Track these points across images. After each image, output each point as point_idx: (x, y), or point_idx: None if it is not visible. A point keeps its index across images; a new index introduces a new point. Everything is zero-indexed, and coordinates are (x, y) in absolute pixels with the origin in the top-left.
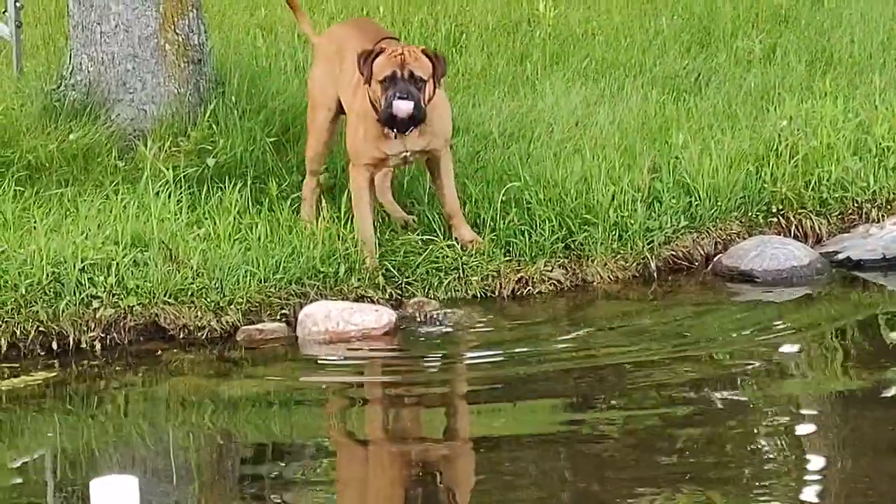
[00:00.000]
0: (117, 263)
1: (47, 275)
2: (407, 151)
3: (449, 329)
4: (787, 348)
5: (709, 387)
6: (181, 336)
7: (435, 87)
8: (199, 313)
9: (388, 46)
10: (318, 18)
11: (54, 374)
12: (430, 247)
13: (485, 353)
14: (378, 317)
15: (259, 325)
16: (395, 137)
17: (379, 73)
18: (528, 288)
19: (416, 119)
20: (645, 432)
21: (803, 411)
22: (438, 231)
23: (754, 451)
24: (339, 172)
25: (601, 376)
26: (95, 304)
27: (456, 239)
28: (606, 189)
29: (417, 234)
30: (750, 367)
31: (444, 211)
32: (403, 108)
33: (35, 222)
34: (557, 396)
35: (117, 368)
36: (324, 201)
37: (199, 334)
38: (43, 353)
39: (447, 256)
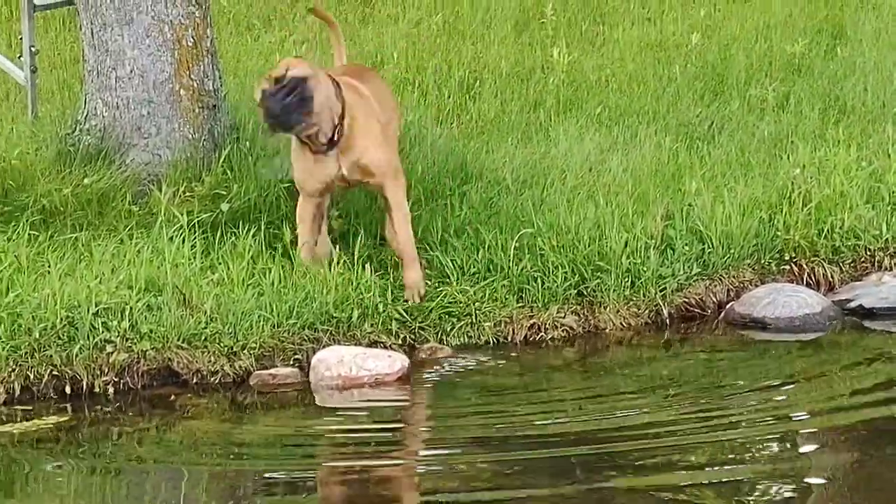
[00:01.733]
0: (131, 308)
1: (61, 319)
2: (341, 171)
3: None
4: (796, 395)
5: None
6: (194, 381)
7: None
8: (212, 358)
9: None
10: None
11: (67, 418)
12: (443, 291)
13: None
14: (391, 362)
15: (272, 370)
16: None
17: (264, 83)
18: (541, 334)
19: (303, 114)
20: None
21: (812, 457)
22: (451, 276)
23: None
24: (352, 218)
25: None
26: (109, 348)
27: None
28: (619, 236)
29: (430, 280)
30: (759, 419)
31: (395, 247)
32: (282, 105)
33: (49, 266)
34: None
35: (130, 413)
36: (337, 246)
37: (213, 379)
38: (56, 397)
39: (460, 302)
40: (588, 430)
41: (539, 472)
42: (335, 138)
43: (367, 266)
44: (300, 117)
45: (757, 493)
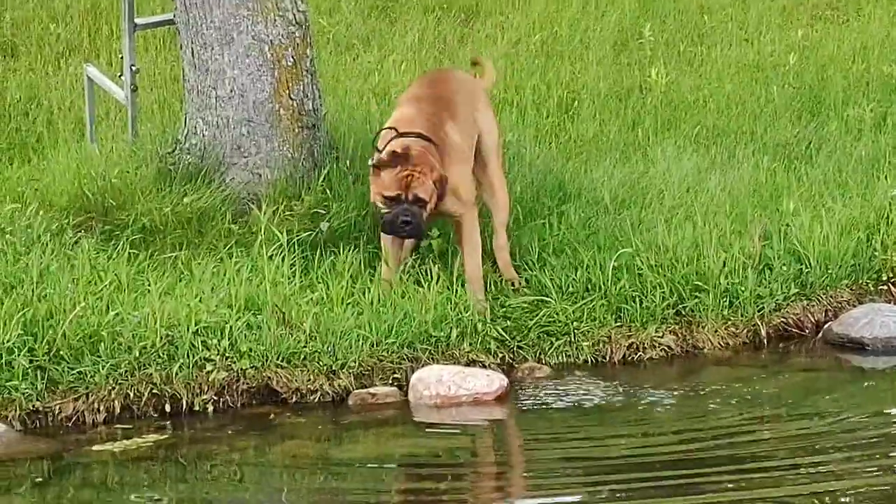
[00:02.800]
0: (230, 326)
1: (161, 337)
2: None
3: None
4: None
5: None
6: (293, 399)
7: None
8: (311, 377)
9: (399, 160)
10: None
11: (166, 436)
12: (543, 310)
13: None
14: (489, 381)
15: (371, 389)
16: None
17: (384, 189)
18: (639, 353)
19: (415, 235)
20: None
21: None
22: (550, 295)
23: None
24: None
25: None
26: (209, 366)
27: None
28: (717, 256)
29: (527, 297)
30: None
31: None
32: (406, 230)
33: (149, 285)
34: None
35: (230, 432)
36: (436, 266)
37: (312, 398)
38: (156, 416)
39: (558, 321)
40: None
41: (634, 495)
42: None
43: (466, 285)
44: (416, 232)
45: None
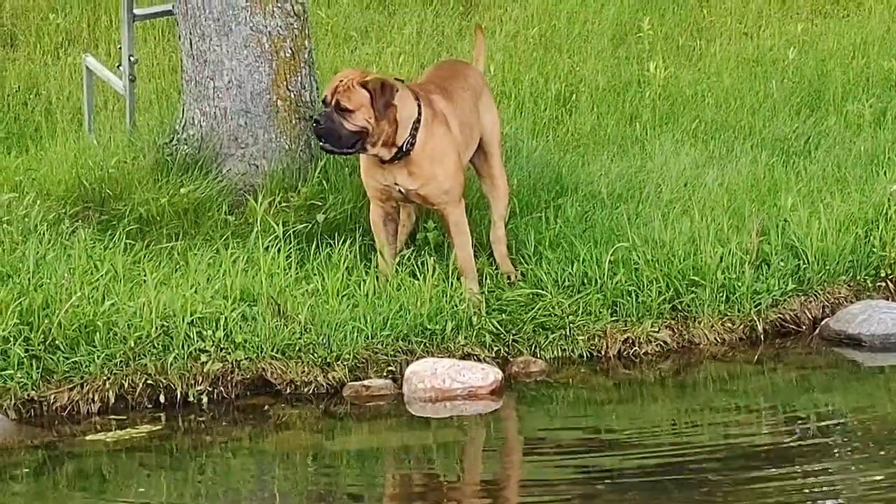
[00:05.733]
0: (226, 318)
1: (156, 328)
2: (398, 185)
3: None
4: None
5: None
6: (288, 391)
7: (375, 114)
8: (306, 368)
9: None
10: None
11: (160, 427)
12: (538, 304)
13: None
14: (484, 375)
15: (366, 382)
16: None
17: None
18: (635, 348)
19: (329, 143)
20: None
21: None
22: (546, 289)
23: None
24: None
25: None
26: (203, 357)
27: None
28: (714, 251)
29: (522, 289)
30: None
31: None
32: (318, 132)
33: (145, 275)
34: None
35: (224, 423)
36: (431, 259)
37: (306, 389)
38: (150, 406)
39: (554, 315)
40: (679, 448)
41: (628, 489)
42: (399, 155)
43: (461, 278)
44: (329, 139)
45: None
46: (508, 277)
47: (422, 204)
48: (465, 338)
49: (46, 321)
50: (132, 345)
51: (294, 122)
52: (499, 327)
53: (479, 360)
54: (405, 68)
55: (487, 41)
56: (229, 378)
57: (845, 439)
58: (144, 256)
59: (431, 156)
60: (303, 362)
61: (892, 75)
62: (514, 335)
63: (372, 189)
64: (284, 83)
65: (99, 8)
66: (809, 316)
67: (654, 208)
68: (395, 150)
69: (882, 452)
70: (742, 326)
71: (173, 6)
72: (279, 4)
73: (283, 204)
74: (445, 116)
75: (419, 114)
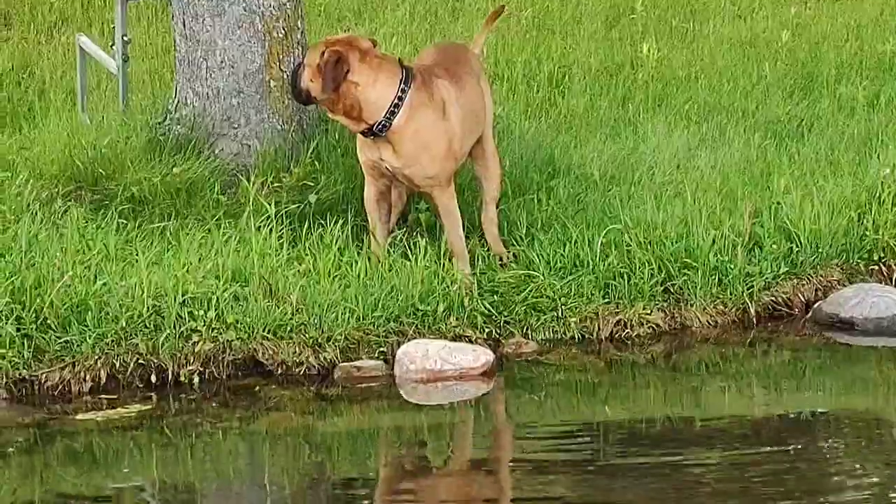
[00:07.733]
0: (217, 298)
1: (148, 308)
2: (384, 162)
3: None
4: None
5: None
6: (279, 372)
7: (322, 84)
8: (297, 349)
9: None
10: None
11: (151, 406)
12: (530, 286)
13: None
14: (476, 356)
15: (357, 363)
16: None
17: None
18: (627, 330)
19: (291, 91)
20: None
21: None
22: (537, 271)
23: None
24: None
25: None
26: (195, 337)
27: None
28: (707, 233)
29: (514, 271)
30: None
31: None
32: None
33: (137, 255)
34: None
35: (214, 403)
36: (424, 240)
37: (297, 370)
38: (141, 386)
39: (546, 297)
40: (670, 431)
41: (620, 473)
42: (375, 129)
43: (453, 259)
44: (295, 95)
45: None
46: (500, 259)
47: (409, 185)
48: (457, 319)
49: (38, 300)
50: (124, 324)
51: (287, 102)
52: (490, 309)
53: (470, 341)
54: (398, 49)
55: (480, 22)
56: (220, 358)
57: (836, 422)
58: (136, 236)
59: (415, 139)
60: (294, 343)
61: (886, 58)
62: (505, 317)
63: (363, 163)
64: (277, 63)
65: None
66: (802, 299)
67: (646, 190)
68: (363, 125)
69: (873, 435)
70: (734, 309)
71: None
72: None
73: (276, 184)
74: (444, 103)
75: (399, 95)
